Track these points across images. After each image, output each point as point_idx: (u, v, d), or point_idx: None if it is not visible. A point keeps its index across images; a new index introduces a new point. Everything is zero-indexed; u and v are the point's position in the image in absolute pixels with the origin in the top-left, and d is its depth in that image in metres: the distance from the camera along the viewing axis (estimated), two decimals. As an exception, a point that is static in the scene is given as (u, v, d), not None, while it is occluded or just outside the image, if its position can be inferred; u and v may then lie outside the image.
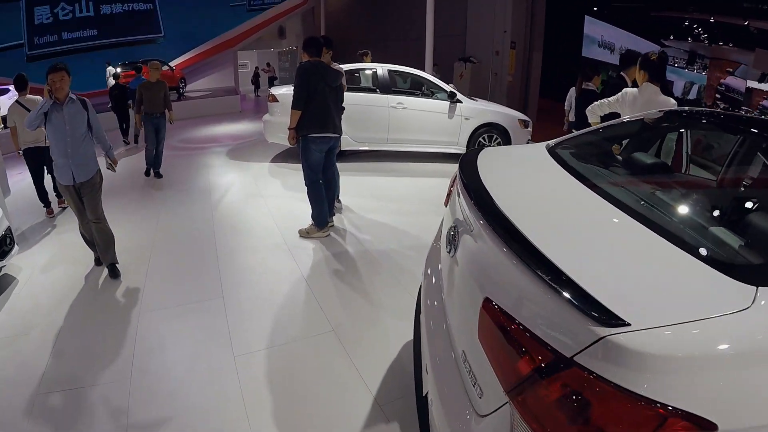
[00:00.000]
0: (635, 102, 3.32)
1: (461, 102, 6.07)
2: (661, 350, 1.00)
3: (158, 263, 3.58)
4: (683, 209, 1.89)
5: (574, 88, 7.71)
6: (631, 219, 1.58)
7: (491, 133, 6.25)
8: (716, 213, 1.89)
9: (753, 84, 20.61)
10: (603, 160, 2.40)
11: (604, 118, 3.59)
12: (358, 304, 3.01)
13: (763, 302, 1.11)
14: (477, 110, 6.22)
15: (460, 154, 6.05)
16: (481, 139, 6.25)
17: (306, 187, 3.80)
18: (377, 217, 4.33)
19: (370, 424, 2.20)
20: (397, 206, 4.63)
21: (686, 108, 2.88)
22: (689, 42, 19.45)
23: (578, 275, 1.17)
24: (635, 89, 3.38)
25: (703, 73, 19.58)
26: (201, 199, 5.04)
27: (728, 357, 1.04)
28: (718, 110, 3.35)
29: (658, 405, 0.98)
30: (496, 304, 1.32)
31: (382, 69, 5.98)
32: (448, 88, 6.15)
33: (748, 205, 1.79)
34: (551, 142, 2.34)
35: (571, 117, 8.52)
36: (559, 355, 1.10)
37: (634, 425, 1.01)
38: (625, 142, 2.62)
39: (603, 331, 1.02)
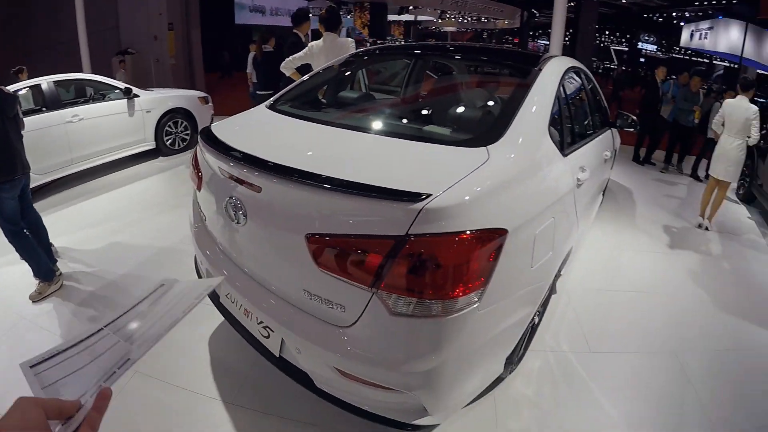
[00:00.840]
0: (321, 51, 4.17)
1: (138, 96, 5.83)
2: (457, 200, 1.47)
3: None
4: (401, 119, 2.56)
5: (253, 53, 8.44)
6: (372, 135, 2.14)
7: (175, 119, 6.26)
8: (424, 114, 2.68)
9: (393, 17, 25.03)
10: (318, 103, 2.90)
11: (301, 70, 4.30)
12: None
13: (493, 153, 1.76)
14: (156, 100, 6.07)
15: (152, 149, 6.05)
16: (167, 127, 6.19)
17: (11, 244, 3.21)
18: (105, 241, 3.93)
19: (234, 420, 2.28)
20: (118, 223, 4.30)
21: (362, 50, 3.47)
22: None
23: (371, 180, 1.51)
24: (320, 41, 4.24)
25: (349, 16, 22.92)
26: None
27: (495, 188, 1.62)
28: (387, 44, 4.49)
29: (475, 231, 1.48)
30: (319, 234, 1.55)
31: (45, 83, 5.13)
32: (123, 84, 5.81)
33: (441, 106, 2.61)
34: (269, 102, 2.67)
35: (254, 79, 9.25)
36: (396, 237, 1.44)
37: (465, 251, 1.46)
38: (327, 86, 3.11)
39: (419, 205, 1.41)
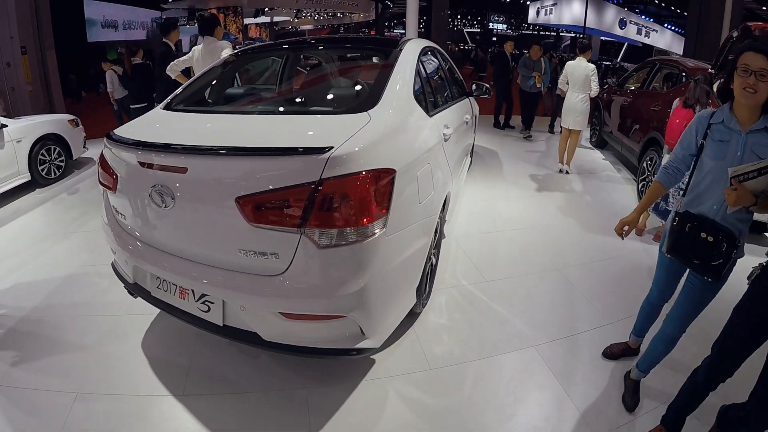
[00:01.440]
0: (201, 53, 4.57)
1: (6, 125, 5.33)
2: (354, 148, 1.88)
3: None
4: (288, 102, 3.04)
5: (110, 71, 8.06)
6: (266, 115, 2.56)
7: (48, 146, 5.82)
8: (307, 96, 3.11)
9: (249, 20, 25.00)
10: (207, 100, 3.17)
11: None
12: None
13: (373, 114, 2.19)
14: (26, 128, 5.60)
15: (27, 182, 5.58)
16: (40, 156, 5.71)
17: None
18: (3, 282, 3.67)
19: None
20: (12, 262, 3.98)
21: (239, 50, 3.77)
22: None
23: (281, 144, 1.90)
24: (200, 45, 4.61)
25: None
26: None
27: (380, 138, 2.05)
28: (258, 44, 5.02)
29: (371, 170, 1.89)
30: (247, 196, 1.86)
31: None
32: None
33: (320, 88, 3.18)
34: (163, 104, 2.84)
35: (117, 95, 8.75)
36: (312, 183, 1.80)
37: (367, 186, 1.86)
38: (214, 85, 3.34)
39: (327, 155, 1.81)
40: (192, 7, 21.69)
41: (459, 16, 47.24)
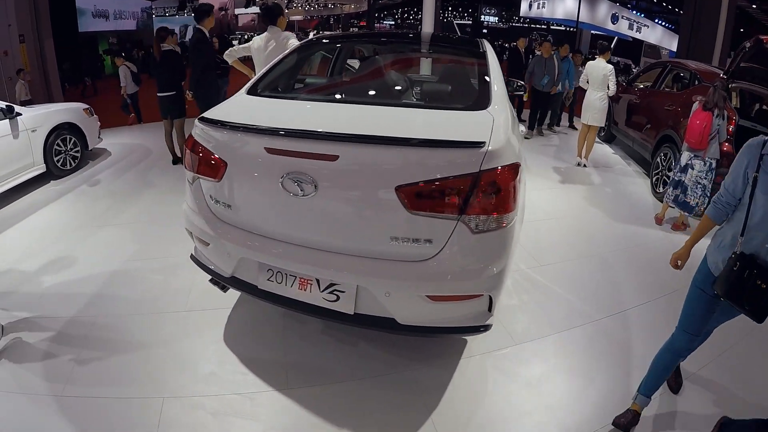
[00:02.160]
0: (263, 43, 4.57)
1: (21, 114, 5.14)
2: (501, 144, 1.99)
3: None
4: (406, 95, 3.06)
5: (123, 66, 8.19)
6: (395, 107, 2.56)
7: (63, 136, 5.68)
8: (424, 91, 3.20)
9: (240, 11, 24.71)
10: (297, 86, 3.20)
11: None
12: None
13: (492, 113, 2.26)
14: (41, 116, 5.40)
15: (42, 174, 5.42)
16: (56, 146, 5.58)
17: None
18: (36, 281, 3.51)
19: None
20: (41, 259, 3.82)
21: (308, 39, 3.76)
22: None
23: (436, 136, 1.98)
24: (262, 35, 4.64)
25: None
26: None
27: (508, 135, 2.13)
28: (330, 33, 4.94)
29: (512, 163, 2.00)
30: (408, 185, 1.92)
31: None
32: (2, 102, 4.97)
33: (432, 85, 3.23)
34: (247, 89, 2.78)
35: (129, 90, 8.69)
36: (473, 174, 1.91)
37: (511, 177, 1.99)
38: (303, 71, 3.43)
39: (485, 149, 1.91)
40: None
41: (450, 8, 47.20)
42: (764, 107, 5.72)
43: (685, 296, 2.14)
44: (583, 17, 26.53)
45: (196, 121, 2.40)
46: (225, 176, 2.26)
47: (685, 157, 4.35)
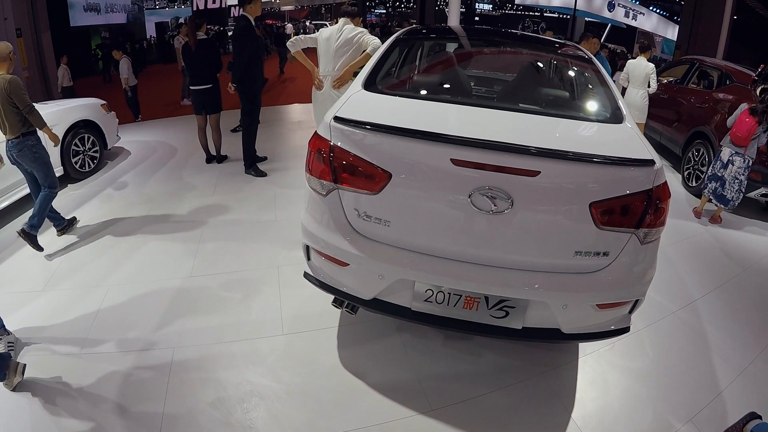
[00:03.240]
0: (332, 34, 4.39)
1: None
2: (659, 161, 2.06)
3: None
4: (542, 101, 2.80)
5: (124, 59, 7.80)
6: (541, 116, 2.43)
7: (81, 135, 5.26)
8: (557, 97, 2.94)
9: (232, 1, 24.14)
10: (435, 85, 3.04)
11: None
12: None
13: (629, 124, 2.35)
14: (57, 114, 4.93)
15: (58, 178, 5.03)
16: (74, 147, 5.16)
17: None
18: (100, 301, 3.25)
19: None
20: (91, 275, 3.56)
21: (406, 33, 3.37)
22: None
23: (612, 153, 2.00)
24: (334, 26, 4.45)
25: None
26: None
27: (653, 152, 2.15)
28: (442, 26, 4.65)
29: (665, 181, 2.07)
30: (600, 201, 1.98)
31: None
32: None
33: (559, 92, 3.01)
34: (362, 83, 2.53)
35: (131, 82, 8.27)
36: (647, 191, 2.01)
37: (667, 194, 2.09)
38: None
39: (656, 167, 2.03)
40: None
41: (442, -2, 46.70)
42: None
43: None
44: (580, 5, 26.34)
45: (332, 121, 2.13)
46: (386, 189, 2.06)
47: (726, 153, 4.83)
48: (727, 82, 6.11)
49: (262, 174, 5.39)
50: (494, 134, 1.99)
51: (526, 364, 2.68)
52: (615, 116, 2.42)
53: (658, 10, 28.93)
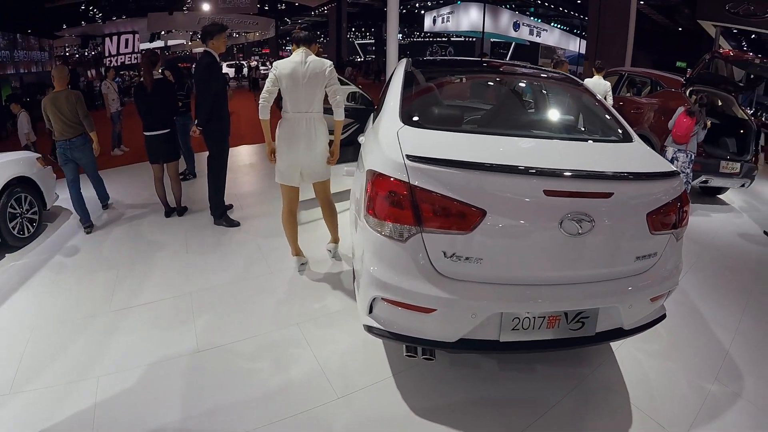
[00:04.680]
0: (296, 68, 3.41)
1: None
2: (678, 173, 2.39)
3: None
4: (566, 127, 3.08)
5: (22, 113, 7.38)
6: (581, 142, 2.72)
7: (17, 194, 4.47)
8: (571, 122, 3.18)
9: (146, 45, 23.15)
10: (461, 115, 3.17)
11: None
12: None
13: (638, 141, 2.72)
14: None
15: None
16: (10, 209, 4.35)
17: None
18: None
19: None
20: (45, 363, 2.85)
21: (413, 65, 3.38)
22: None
23: (649, 169, 2.34)
24: (293, 58, 3.47)
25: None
26: None
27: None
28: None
29: (683, 191, 2.37)
30: (654, 211, 2.23)
31: None
32: None
33: (570, 117, 3.23)
34: (399, 117, 2.53)
35: (32, 138, 7.57)
36: (679, 197, 2.33)
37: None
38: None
39: (679, 177, 2.36)
40: (85, 34, 19.48)
41: (353, 29, 47.46)
42: (719, 104, 7.22)
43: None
44: (488, 27, 27.75)
45: (407, 160, 2.07)
46: (479, 227, 2.05)
47: (670, 152, 5.58)
48: (658, 89, 7.15)
49: (235, 224, 4.86)
50: (562, 163, 2.19)
51: (572, 369, 2.86)
52: (627, 135, 2.76)
53: (559, 26, 31.19)
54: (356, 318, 2.69)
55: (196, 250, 4.31)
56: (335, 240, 3.99)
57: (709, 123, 5.91)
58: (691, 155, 5.53)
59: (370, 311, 2.27)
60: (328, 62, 3.47)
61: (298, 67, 3.40)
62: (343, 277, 3.74)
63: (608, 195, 2.11)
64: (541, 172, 2.06)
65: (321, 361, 2.76)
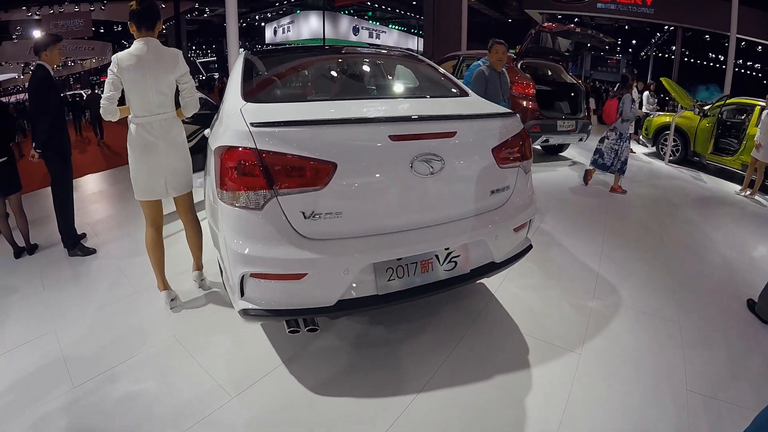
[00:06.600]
0: (141, 58, 2.85)
1: None
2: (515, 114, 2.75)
3: None
4: (404, 89, 3.36)
5: None
6: (421, 98, 3.06)
7: None
8: (422, 86, 3.35)
9: None
10: (303, 92, 3.32)
11: None
12: None
13: (472, 94, 3.06)
14: None
15: None
16: None
17: None
18: None
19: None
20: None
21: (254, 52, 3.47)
22: None
23: (491, 111, 2.66)
24: (135, 47, 2.89)
25: None
26: None
27: None
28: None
29: (522, 128, 2.72)
30: (498, 146, 2.45)
31: None
32: None
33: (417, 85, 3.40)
34: (241, 95, 2.48)
35: None
36: (519, 133, 2.62)
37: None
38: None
39: (517, 116, 2.70)
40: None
41: (194, 47, 45.38)
42: (549, 74, 8.14)
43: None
44: (329, 34, 28.41)
45: (251, 127, 2.03)
46: (333, 180, 2.06)
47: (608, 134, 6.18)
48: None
49: (91, 251, 4.46)
50: (405, 112, 2.43)
51: (462, 313, 3.12)
52: (463, 91, 3.04)
53: (397, 27, 32.87)
54: (235, 319, 2.64)
55: (54, 286, 3.92)
56: (199, 267, 3.54)
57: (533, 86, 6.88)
58: (619, 133, 5.96)
59: (242, 294, 2.16)
60: (178, 50, 3.03)
61: (143, 57, 2.84)
62: (214, 293, 3.53)
63: (452, 134, 2.27)
64: (385, 119, 2.21)
65: (207, 367, 2.65)
